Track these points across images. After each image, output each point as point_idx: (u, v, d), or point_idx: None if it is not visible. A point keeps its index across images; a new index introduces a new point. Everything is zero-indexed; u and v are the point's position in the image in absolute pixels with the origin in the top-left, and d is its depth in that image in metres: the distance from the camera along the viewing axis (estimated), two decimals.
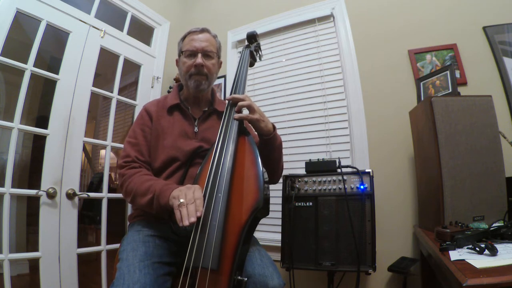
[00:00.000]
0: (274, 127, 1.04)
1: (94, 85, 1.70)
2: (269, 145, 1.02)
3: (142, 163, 1.03)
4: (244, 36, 2.15)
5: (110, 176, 1.91)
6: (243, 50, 1.19)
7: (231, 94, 1.01)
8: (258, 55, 1.27)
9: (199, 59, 1.08)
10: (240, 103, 0.95)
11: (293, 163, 1.81)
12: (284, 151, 1.79)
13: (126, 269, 0.77)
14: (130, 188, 0.94)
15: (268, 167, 0.97)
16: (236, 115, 0.94)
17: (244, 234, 0.71)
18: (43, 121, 1.55)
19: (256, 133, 1.03)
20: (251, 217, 0.72)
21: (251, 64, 1.23)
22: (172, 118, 1.11)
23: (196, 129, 1.10)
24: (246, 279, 0.69)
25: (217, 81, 2.23)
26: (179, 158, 1.03)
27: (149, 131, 1.08)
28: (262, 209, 0.74)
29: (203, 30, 1.15)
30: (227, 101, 1.01)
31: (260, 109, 1.00)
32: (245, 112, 0.96)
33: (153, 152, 1.06)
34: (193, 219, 0.69)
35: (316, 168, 1.40)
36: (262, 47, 1.34)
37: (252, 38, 1.26)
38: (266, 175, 0.80)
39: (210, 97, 1.21)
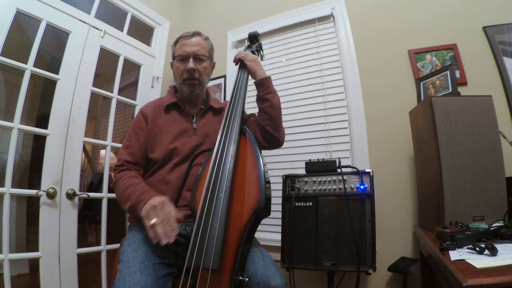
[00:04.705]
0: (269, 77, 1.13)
1: (94, 85, 1.70)
2: (263, 88, 1.09)
3: (132, 165, 1.06)
4: (245, 36, 2.19)
5: (110, 176, 1.90)
6: (244, 50, 1.19)
7: (232, 95, 1.03)
8: (260, 55, 1.27)
9: (191, 63, 1.11)
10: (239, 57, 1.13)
11: (293, 163, 1.81)
12: (284, 151, 1.83)
13: (127, 270, 0.77)
14: (117, 193, 0.99)
15: (271, 124, 1.07)
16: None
17: (245, 234, 0.71)
18: (43, 121, 1.55)
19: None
20: (252, 217, 0.72)
21: None
22: (170, 116, 1.13)
23: (194, 125, 1.13)
24: (247, 279, 0.69)
25: (217, 81, 2.23)
26: (179, 153, 1.05)
27: (142, 134, 1.10)
28: (263, 209, 0.74)
29: (194, 34, 1.17)
30: (235, 62, 1.15)
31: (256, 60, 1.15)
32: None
33: (150, 151, 1.08)
34: (172, 240, 0.73)
35: (316, 168, 1.40)
36: (262, 47, 1.34)
37: (254, 38, 1.26)
38: (267, 175, 0.80)
39: (205, 96, 1.25)
